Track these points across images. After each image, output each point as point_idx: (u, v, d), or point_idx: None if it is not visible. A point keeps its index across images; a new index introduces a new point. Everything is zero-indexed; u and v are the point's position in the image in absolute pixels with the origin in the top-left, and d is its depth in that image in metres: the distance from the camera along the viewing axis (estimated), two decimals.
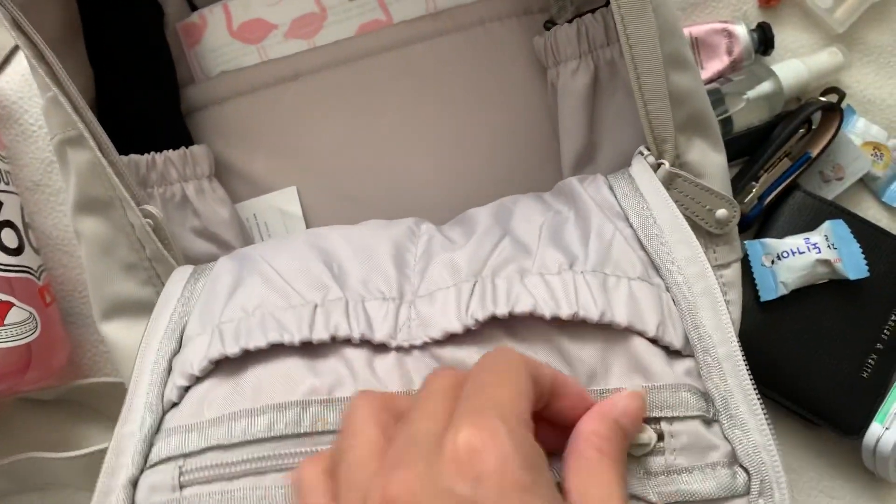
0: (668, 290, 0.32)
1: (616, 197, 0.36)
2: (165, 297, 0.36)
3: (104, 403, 0.49)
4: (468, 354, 0.30)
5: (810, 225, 0.50)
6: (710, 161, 0.39)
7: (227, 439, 0.29)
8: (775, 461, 0.28)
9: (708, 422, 0.29)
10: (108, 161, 0.38)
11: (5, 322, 0.42)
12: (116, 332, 0.40)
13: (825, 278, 0.49)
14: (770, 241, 0.49)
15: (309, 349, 0.31)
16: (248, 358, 0.31)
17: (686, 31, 0.51)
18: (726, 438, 0.29)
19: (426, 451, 0.23)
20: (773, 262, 0.49)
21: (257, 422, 0.29)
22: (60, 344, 0.46)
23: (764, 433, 0.29)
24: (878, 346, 0.48)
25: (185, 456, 0.29)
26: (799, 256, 0.48)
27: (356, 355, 0.30)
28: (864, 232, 0.49)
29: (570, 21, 0.44)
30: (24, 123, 0.50)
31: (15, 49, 0.51)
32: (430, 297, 0.32)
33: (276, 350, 0.31)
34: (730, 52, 0.51)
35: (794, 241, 0.49)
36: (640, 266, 0.32)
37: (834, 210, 0.50)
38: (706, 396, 0.30)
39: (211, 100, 0.48)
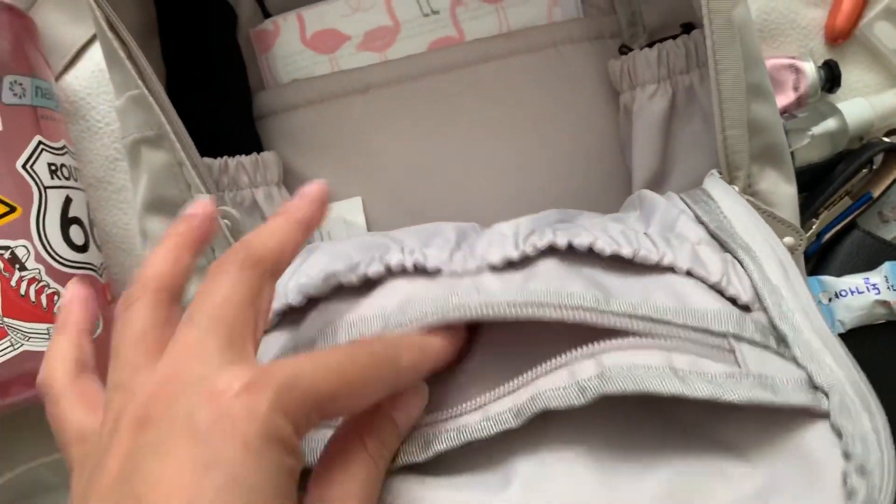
0: (736, 258, 0.31)
1: (687, 204, 0.36)
2: None
3: None
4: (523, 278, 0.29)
5: (867, 265, 0.50)
6: (781, 192, 0.39)
7: None
8: (863, 390, 0.25)
9: (779, 355, 0.27)
10: (192, 163, 0.38)
11: None
12: None
13: (883, 319, 0.49)
14: (828, 279, 0.49)
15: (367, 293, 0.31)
16: (309, 311, 0.31)
17: None
18: (801, 366, 0.27)
19: (191, 382, 0.22)
20: (830, 299, 0.49)
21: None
22: None
23: (846, 368, 0.26)
24: None
25: None
26: (857, 296, 0.48)
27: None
28: None
29: (648, 47, 0.45)
30: (90, 120, 0.51)
31: (84, 46, 0.51)
32: (488, 244, 0.32)
33: (335, 301, 0.31)
34: (796, 88, 0.51)
35: (854, 281, 0.49)
36: (706, 238, 0.32)
37: (893, 251, 0.50)
38: (778, 338, 0.28)
39: (281, 107, 0.48)
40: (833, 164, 0.52)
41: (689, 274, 0.30)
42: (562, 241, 0.30)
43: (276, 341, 0.31)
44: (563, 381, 0.26)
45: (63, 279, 0.43)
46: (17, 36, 0.45)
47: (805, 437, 0.25)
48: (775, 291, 0.29)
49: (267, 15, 0.49)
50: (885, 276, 0.48)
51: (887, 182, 0.51)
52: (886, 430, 0.24)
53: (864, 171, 0.51)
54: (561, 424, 0.27)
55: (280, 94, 0.48)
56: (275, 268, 0.27)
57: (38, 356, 0.41)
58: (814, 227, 0.51)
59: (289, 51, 0.49)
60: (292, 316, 0.31)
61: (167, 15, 0.47)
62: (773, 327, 0.28)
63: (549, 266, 0.30)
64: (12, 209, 0.41)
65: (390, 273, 0.31)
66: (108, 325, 0.45)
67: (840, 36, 0.52)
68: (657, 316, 0.27)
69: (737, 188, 0.37)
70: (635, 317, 0.27)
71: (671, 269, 0.30)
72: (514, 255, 0.30)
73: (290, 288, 0.32)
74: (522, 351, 0.28)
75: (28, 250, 0.41)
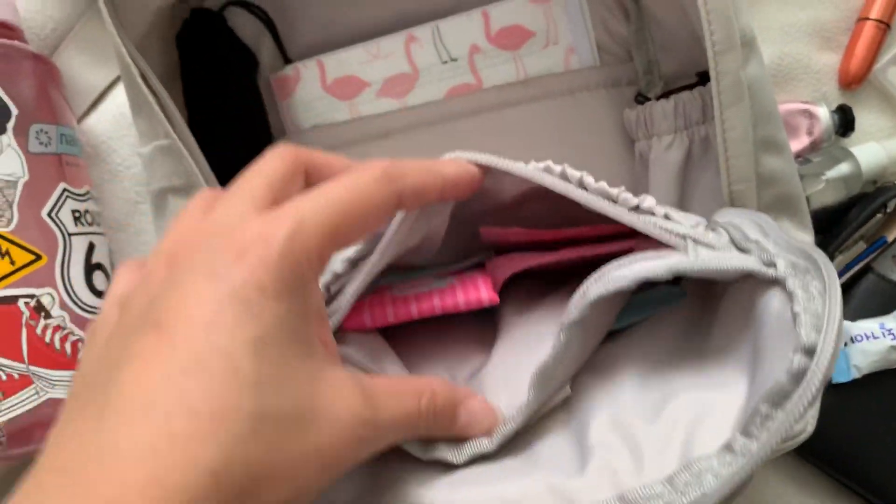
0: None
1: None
2: None
3: None
4: None
5: (883, 309, 0.50)
6: (798, 239, 0.39)
7: None
8: (819, 257, 0.28)
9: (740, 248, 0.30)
10: None
11: None
12: None
13: None
14: (843, 324, 0.49)
15: None
16: None
17: None
18: (750, 239, 0.30)
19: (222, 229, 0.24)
20: (846, 344, 0.49)
21: None
22: None
23: (802, 240, 0.31)
24: None
25: None
26: (873, 341, 0.49)
27: None
28: None
29: (664, 96, 0.45)
30: (111, 163, 0.51)
31: (106, 90, 0.52)
32: None
33: None
34: (810, 133, 0.52)
35: (869, 326, 0.49)
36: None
37: None
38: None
39: None
40: (847, 208, 0.52)
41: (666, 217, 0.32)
42: (557, 168, 0.33)
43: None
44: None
45: (86, 326, 0.43)
46: (42, 83, 0.45)
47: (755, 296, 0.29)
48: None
49: (288, 61, 0.50)
50: None
51: None
52: (836, 288, 0.26)
53: (878, 215, 0.52)
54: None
55: (300, 139, 0.49)
56: (404, 197, 0.28)
57: (61, 403, 0.41)
58: None
59: (309, 97, 0.49)
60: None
61: (190, 60, 0.48)
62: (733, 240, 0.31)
63: None
64: (38, 257, 0.42)
65: None
66: None
67: (854, 80, 0.53)
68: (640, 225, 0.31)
69: None
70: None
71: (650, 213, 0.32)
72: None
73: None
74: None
75: (53, 298, 0.42)
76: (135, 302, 0.24)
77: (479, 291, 0.36)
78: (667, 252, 0.30)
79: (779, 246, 0.30)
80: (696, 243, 0.30)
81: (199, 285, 0.22)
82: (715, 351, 0.31)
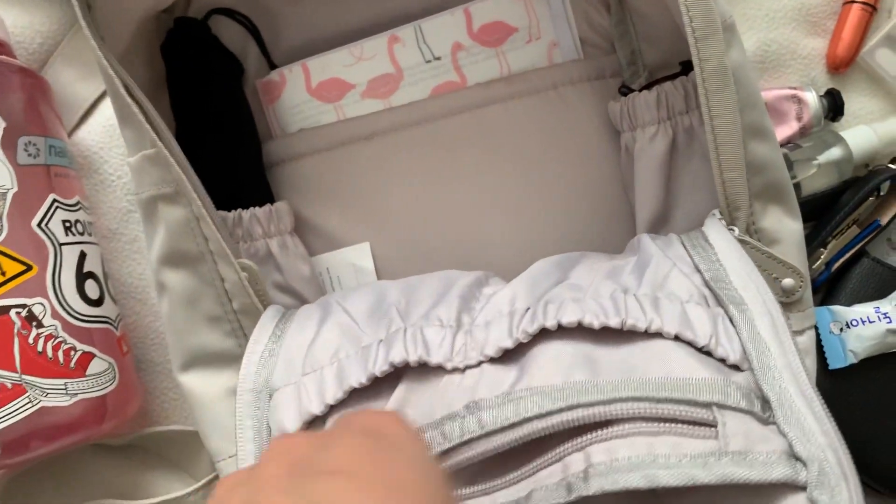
0: (727, 317, 0.32)
1: (686, 248, 0.37)
2: (254, 342, 0.38)
3: (173, 451, 0.49)
4: (517, 375, 0.32)
5: (878, 292, 0.50)
6: (786, 228, 0.39)
7: None
8: (841, 458, 0.27)
9: (763, 421, 0.28)
10: (210, 217, 0.39)
11: (87, 373, 0.43)
12: (195, 381, 0.41)
13: None
14: (839, 309, 0.49)
15: (381, 402, 0.34)
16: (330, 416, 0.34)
17: None
18: (783, 434, 0.28)
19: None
20: (841, 329, 0.49)
21: None
22: (135, 392, 0.47)
23: (827, 434, 0.27)
24: None
25: None
26: (869, 325, 0.48)
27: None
28: None
29: (647, 87, 0.45)
30: (103, 173, 0.52)
31: (96, 101, 0.52)
32: (486, 325, 0.34)
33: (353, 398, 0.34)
34: (799, 118, 0.52)
35: (864, 310, 0.49)
36: (697, 294, 0.33)
37: None
38: (763, 401, 0.29)
39: (289, 156, 0.49)
40: (840, 193, 0.52)
41: (676, 338, 0.31)
42: (551, 323, 0.32)
43: None
44: (557, 475, 0.28)
45: (79, 334, 0.43)
46: (31, 96, 0.46)
47: None
48: (763, 352, 0.30)
49: (273, 66, 0.50)
50: None
51: (895, 209, 0.51)
52: (859, 495, 0.26)
53: (871, 198, 0.51)
54: None
55: (287, 143, 0.49)
56: None
57: (55, 411, 0.42)
58: (822, 256, 0.51)
59: (295, 101, 0.50)
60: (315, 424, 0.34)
61: (175, 69, 0.48)
62: (759, 388, 0.29)
63: (541, 352, 0.32)
64: (29, 268, 0.42)
65: (395, 370, 0.34)
66: (122, 375, 0.45)
67: (842, 64, 0.53)
68: (641, 394, 0.28)
69: (736, 230, 0.37)
70: (618, 400, 0.28)
71: (659, 335, 0.30)
72: (509, 343, 0.33)
73: (311, 391, 0.34)
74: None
75: (44, 307, 0.42)
76: None
77: None
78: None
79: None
80: (722, 409, 0.28)
81: None
82: None
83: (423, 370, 0.34)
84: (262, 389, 0.36)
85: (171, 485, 0.49)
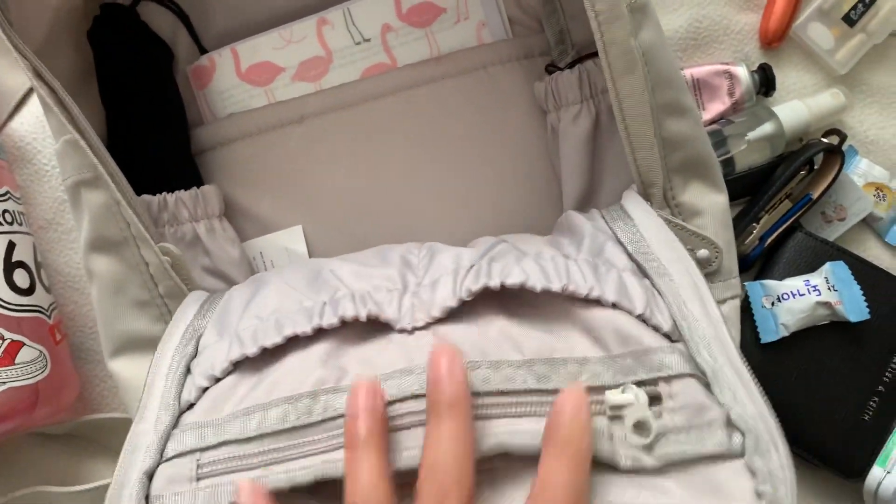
0: (655, 287, 0.33)
1: (606, 222, 0.37)
2: (182, 311, 0.38)
3: (112, 438, 0.49)
4: (466, 332, 0.31)
5: (812, 266, 0.50)
6: (709, 201, 0.39)
7: (242, 434, 0.29)
8: (770, 426, 0.28)
9: (704, 383, 0.29)
10: (127, 201, 0.39)
11: (15, 361, 0.43)
12: (126, 367, 0.41)
13: (826, 320, 0.49)
14: (770, 283, 0.49)
15: (320, 348, 0.32)
16: (266, 358, 0.32)
17: (687, 72, 0.52)
18: (720, 403, 0.29)
19: None
20: (773, 303, 0.49)
21: (270, 415, 0.30)
22: (70, 381, 0.47)
23: (757, 402, 0.28)
24: (880, 388, 0.48)
25: (202, 450, 0.30)
26: (799, 299, 0.49)
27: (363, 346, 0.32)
28: (866, 273, 0.49)
29: (571, 66, 0.45)
30: (37, 164, 0.52)
31: (29, 91, 0.52)
32: (432, 284, 0.34)
33: (290, 349, 0.32)
34: (731, 94, 0.52)
35: (794, 283, 0.49)
36: (630, 265, 0.34)
37: (835, 251, 0.50)
38: (698, 367, 0.30)
39: (220, 141, 0.49)
40: (773, 168, 0.52)
41: (614, 306, 0.31)
42: (494, 283, 0.32)
43: (234, 393, 0.32)
44: None
45: (8, 322, 0.43)
46: None
47: (721, 474, 0.27)
48: (693, 323, 0.30)
49: (203, 51, 0.50)
50: (826, 277, 0.49)
51: (827, 182, 0.51)
52: (788, 460, 0.27)
53: (802, 172, 0.52)
54: None
55: (218, 128, 0.49)
56: None
57: None
58: (755, 231, 0.51)
59: (225, 85, 0.49)
60: (248, 364, 0.32)
61: (104, 56, 0.48)
62: (692, 359, 0.29)
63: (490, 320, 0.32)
64: None
65: (343, 324, 0.32)
66: (55, 363, 0.45)
67: (774, 39, 0.53)
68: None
69: (650, 203, 0.37)
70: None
71: (598, 302, 0.31)
72: (454, 303, 0.32)
73: (245, 337, 0.33)
74: None
75: None
76: None
77: None
78: None
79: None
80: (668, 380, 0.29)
81: None
82: None
83: (370, 331, 0.33)
84: (189, 340, 0.35)
85: (110, 471, 0.49)
